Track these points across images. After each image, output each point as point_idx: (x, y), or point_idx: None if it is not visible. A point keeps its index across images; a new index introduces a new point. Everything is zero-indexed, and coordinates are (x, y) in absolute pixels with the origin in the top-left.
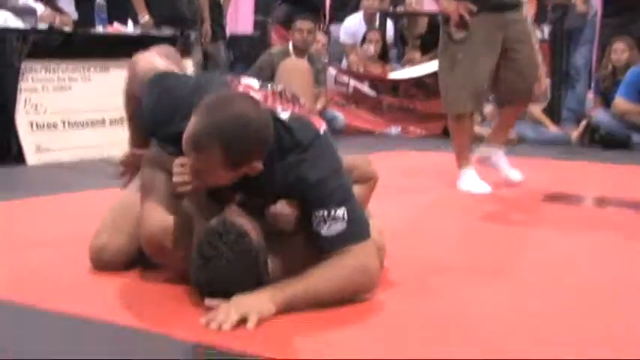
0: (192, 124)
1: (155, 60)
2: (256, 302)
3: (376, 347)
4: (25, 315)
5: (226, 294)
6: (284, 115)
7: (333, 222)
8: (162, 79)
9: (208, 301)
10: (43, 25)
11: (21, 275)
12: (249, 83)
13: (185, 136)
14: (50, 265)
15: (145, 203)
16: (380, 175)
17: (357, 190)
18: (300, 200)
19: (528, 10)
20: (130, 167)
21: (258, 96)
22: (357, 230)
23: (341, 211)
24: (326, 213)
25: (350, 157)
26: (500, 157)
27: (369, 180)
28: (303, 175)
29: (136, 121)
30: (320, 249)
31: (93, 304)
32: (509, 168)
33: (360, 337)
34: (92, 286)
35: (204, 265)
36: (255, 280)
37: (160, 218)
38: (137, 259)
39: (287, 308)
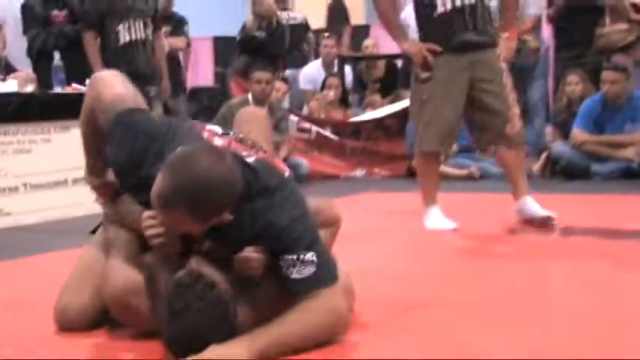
0: (158, 183)
1: (119, 87)
2: (231, 352)
3: None
4: None
5: (198, 348)
6: (250, 159)
7: (303, 266)
8: (132, 117)
9: None
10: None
11: None
12: (213, 129)
13: (152, 194)
14: (15, 328)
15: (109, 262)
16: (347, 217)
17: (321, 233)
18: (269, 245)
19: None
20: (104, 193)
21: (221, 141)
22: (326, 273)
23: (310, 255)
24: (295, 257)
25: (313, 200)
26: (527, 203)
27: (332, 224)
28: (272, 219)
29: (94, 149)
30: (290, 292)
31: None
32: (540, 208)
33: None
34: (58, 347)
35: (174, 319)
36: (226, 331)
37: (122, 277)
38: (103, 318)
39: (262, 357)
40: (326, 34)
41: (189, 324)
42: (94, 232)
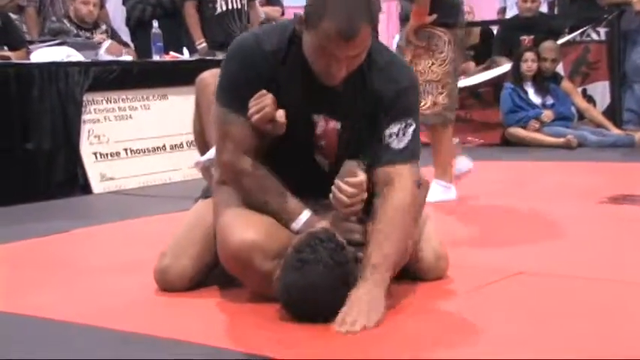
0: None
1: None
2: (373, 300)
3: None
4: (89, 334)
5: (312, 301)
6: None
7: (404, 137)
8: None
9: None
10: (105, 57)
11: (88, 298)
12: None
13: (337, 31)
14: (118, 289)
15: (224, 220)
16: None
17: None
18: (382, 107)
19: None
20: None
21: None
22: (418, 148)
23: (412, 128)
24: (403, 125)
25: None
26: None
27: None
28: (395, 76)
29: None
30: (383, 160)
31: (161, 324)
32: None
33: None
34: (159, 307)
35: (300, 267)
36: (342, 294)
37: (243, 234)
38: (204, 278)
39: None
40: None
41: (313, 276)
42: (198, 199)
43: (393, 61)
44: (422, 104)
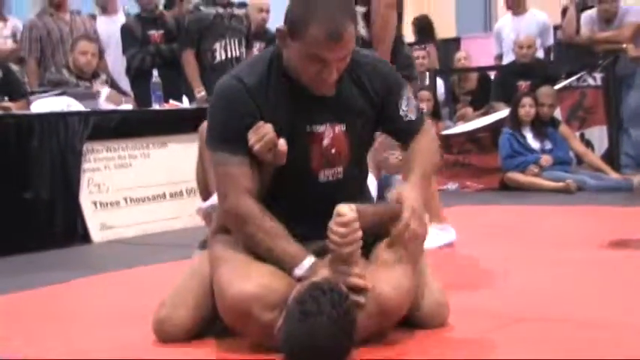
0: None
1: None
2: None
3: None
4: None
5: (318, 355)
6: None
7: (412, 108)
8: None
9: None
10: (105, 106)
11: (86, 349)
12: None
13: (327, 33)
14: (115, 339)
15: (221, 272)
16: None
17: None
18: (387, 93)
19: None
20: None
21: None
22: (420, 110)
23: (411, 99)
24: (406, 101)
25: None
26: None
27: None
28: (378, 66)
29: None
30: (410, 132)
31: None
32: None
33: None
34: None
35: (302, 320)
36: (347, 346)
37: (241, 285)
38: (202, 330)
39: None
40: (416, 46)
41: (317, 328)
42: (202, 247)
43: (367, 54)
44: (396, 155)
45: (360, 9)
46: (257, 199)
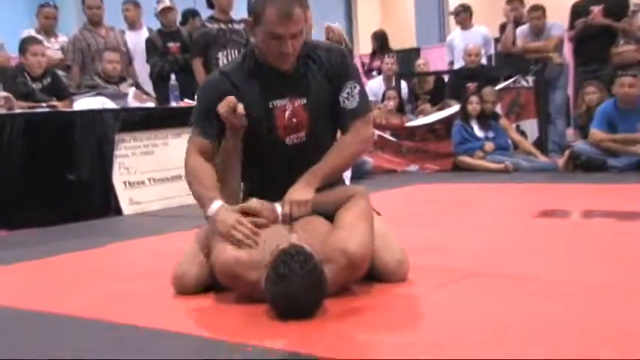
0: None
1: None
2: (301, 190)
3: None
4: (111, 330)
5: (296, 304)
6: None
7: (353, 98)
8: None
9: None
10: (132, 104)
11: (113, 300)
12: None
13: (279, 14)
14: (142, 293)
15: (215, 243)
16: (403, 204)
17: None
18: (338, 71)
19: None
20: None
21: None
22: (366, 103)
23: (357, 89)
24: (350, 89)
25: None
26: None
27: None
28: (333, 48)
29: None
30: (345, 122)
31: (175, 320)
32: None
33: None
34: (174, 306)
35: (279, 281)
36: (319, 294)
37: (230, 253)
38: (212, 285)
39: (319, 186)
40: (387, 54)
41: (292, 286)
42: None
43: (322, 42)
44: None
45: None
46: (209, 161)
